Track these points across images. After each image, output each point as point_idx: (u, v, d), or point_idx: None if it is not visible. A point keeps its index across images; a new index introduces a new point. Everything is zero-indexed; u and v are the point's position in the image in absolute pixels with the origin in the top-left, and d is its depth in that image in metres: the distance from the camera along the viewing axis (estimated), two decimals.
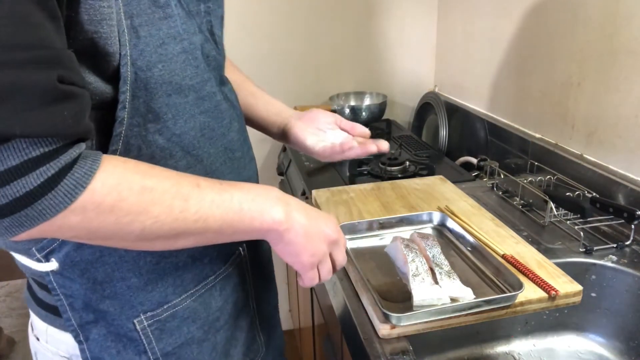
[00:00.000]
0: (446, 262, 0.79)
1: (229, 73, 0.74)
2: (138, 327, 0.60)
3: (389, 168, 1.32)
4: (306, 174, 1.35)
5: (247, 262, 0.72)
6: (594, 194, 1.00)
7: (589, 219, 0.96)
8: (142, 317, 0.60)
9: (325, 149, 0.84)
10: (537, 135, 1.26)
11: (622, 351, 0.88)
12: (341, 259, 0.65)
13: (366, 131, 0.86)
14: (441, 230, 0.96)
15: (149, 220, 0.46)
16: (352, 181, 1.28)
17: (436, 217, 0.98)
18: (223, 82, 0.66)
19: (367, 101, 1.77)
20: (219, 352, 0.68)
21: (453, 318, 0.71)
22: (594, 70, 1.05)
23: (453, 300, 0.72)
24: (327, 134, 0.84)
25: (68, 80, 0.41)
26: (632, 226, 0.92)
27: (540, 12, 1.21)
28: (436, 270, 0.77)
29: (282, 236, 0.57)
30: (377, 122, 1.71)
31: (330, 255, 0.64)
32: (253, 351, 0.77)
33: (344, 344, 0.85)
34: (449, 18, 1.71)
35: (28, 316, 0.68)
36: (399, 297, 0.76)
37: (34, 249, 0.54)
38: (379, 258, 0.87)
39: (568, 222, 1.01)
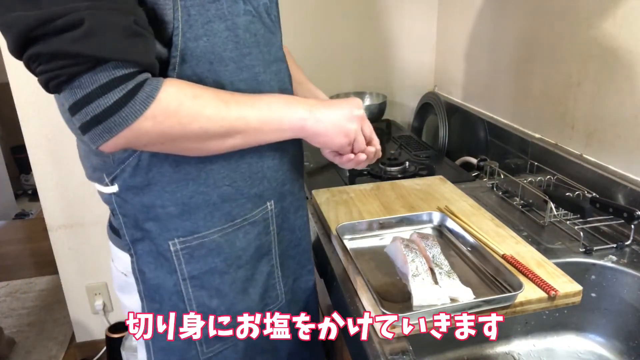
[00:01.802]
0: (446, 262, 0.79)
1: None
2: (172, 249, 0.71)
3: (388, 168, 1.32)
4: (306, 174, 1.35)
5: (273, 217, 0.80)
6: (594, 194, 1.00)
7: (588, 219, 0.96)
8: (176, 240, 0.71)
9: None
10: (537, 136, 1.26)
11: (622, 351, 0.88)
12: (368, 132, 0.77)
13: (373, 149, 0.80)
14: (441, 230, 0.96)
15: (203, 120, 0.60)
16: (352, 181, 1.28)
17: (436, 217, 0.98)
18: (277, 58, 0.75)
19: (367, 101, 1.77)
20: (238, 287, 0.77)
21: None
22: (594, 70, 1.05)
23: (453, 300, 0.73)
24: None
25: (140, 25, 0.56)
26: (632, 226, 0.92)
27: (541, 12, 1.21)
28: (436, 270, 0.77)
29: (311, 129, 0.70)
30: (377, 123, 1.71)
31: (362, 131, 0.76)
32: (271, 297, 0.83)
33: (344, 344, 0.85)
34: (449, 18, 1.71)
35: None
36: (399, 297, 0.76)
37: (104, 175, 0.69)
38: (379, 258, 0.88)
39: (568, 222, 1.01)
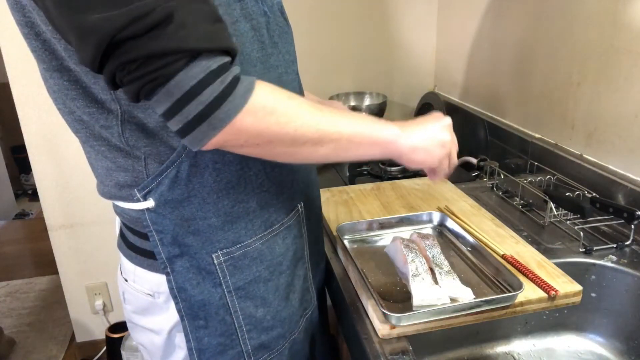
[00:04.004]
0: (446, 262, 0.79)
1: None
2: (215, 262, 0.69)
3: (388, 168, 1.32)
4: None
5: (304, 219, 0.80)
6: (594, 194, 1.00)
7: (588, 219, 0.96)
8: (220, 252, 0.69)
9: None
10: (537, 135, 1.26)
11: (622, 351, 0.88)
12: (454, 140, 0.77)
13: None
14: (441, 230, 0.96)
15: (299, 121, 0.58)
16: (352, 181, 1.28)
17: (436, 217, 0.98)
18: (294, 58, 0.75)
19: (367, 101, 1.77)
20: (281, 293, 0.76)
21: (453, 318, 0.71)
22: (594, 70, 1.05)
23: (453, 300, 0.73)
24: None
25: (216, 11, 0.53)
26: (632, 226, 0.92)
27: (541, 13, 1.21)
28: (436, 270, 0.77)
29: (405, 144, 0.68)
30: None
31: None
32: (307, 301, 0.83)
33: (344, 344, 0.85)
34: (449, 18, 1.71)
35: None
36: (399, 297, 0.76)
37: (135, 190, 0.65)
38: (379, 258, 0.88)
39: (568, 222, 1.01)
